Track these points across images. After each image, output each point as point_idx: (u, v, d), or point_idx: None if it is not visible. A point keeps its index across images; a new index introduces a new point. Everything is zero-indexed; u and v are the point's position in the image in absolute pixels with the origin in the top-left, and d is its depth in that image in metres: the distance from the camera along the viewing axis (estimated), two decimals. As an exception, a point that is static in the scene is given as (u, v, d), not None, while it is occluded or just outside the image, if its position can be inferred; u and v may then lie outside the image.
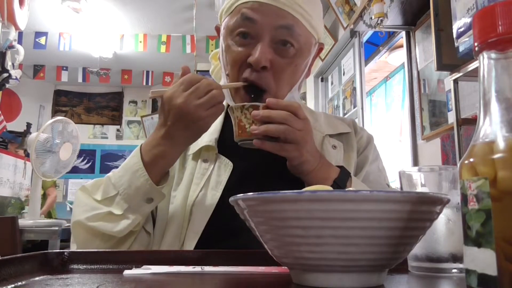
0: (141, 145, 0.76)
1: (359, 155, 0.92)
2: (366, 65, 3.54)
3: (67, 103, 7.08)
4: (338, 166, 0.78)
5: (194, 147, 0.85)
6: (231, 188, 0.79)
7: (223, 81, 0.85)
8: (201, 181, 0.81)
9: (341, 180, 0.75)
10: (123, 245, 0.74)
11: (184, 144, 0.75)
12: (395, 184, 1.50)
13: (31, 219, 2.66)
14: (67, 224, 2.70)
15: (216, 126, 0.88)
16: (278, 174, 0.80)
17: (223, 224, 0.75)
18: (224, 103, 0.92)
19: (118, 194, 0.73)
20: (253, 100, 0.77)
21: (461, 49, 1.85)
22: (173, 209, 0.81)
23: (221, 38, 0.83)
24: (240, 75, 0.79)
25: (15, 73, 3.23)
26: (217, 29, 0.89)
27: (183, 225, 0.78)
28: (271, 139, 0.70)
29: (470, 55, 1.84)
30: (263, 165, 0.83)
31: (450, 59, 2.15)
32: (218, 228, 0.76)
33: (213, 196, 0.79)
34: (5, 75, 3.13)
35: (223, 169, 0.82)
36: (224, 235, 0.76)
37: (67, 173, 2.92)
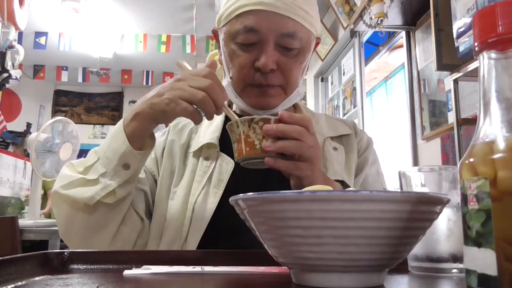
0: None
1: (359, 156, 0.92)
2: (366, 65, 3.54)
3: (67, 103, 7.08)
4: (338, 181, 0.76)
5: (196, 144, 0.86)
6: (232, 186, 0.79)
7: (224, 83, 0.84)
8: (202, 179, 0.81)
9: None
10: (102, 218, 0.72)
11: (152, 112, 0.70)
12: (393, 187, 1.50)
13: (31, 219, 2.66)
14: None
15: (217, 124, 0.88)
16: (279, 173, 0.81)
17: (225, 222, 0.76)
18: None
19: (98, 159, 0.72)
20: (261, 94, 0.79)
21: (461, 49, 1.85)
22: (174, 205, 0.81)
23: (222, 42, 0.83)
24: (247, 79, 0.79)
25: (15, 73, 3.23)
26: (215, 33, 0.88)
27: (184, 223, 0.78)
28: (282, 156, 0.63)
29: (470, 55, 1.84)
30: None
31: (450, 59, 2.15)
32: (220, 226, 0.77)
33: (215, 194, 0.79)
34: (5, 75, 3.13)
35: (225, 167, 0.82)
36: (226, 233, 0.77)
37: (67, 173, 2.92)
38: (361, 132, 0.97)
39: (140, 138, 0.73)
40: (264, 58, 0.76)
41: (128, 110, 7.27)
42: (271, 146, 0.62)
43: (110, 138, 0.74)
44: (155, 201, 0.84)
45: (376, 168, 0.93)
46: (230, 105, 0.95)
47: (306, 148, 0.64)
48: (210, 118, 0.69)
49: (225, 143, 0.84)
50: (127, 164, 0.71)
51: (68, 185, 0.72)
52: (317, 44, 0.88)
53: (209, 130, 0.88)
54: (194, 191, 0.81)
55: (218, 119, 0.90)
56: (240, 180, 0.80)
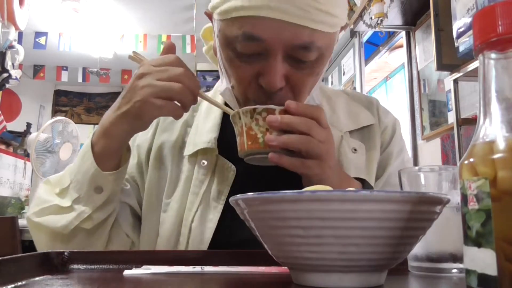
0: None
1: (383, 152, 0.78)
2: (366, 65, 3.54)
3: (67, 103, 7.07)
4: (359, 179, 0.68)
5: (191, 145, 0.73)
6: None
7: (225, 85, 0.69)
8: (200, 190, 0.70)
9: None
10: (83, 243, 0.66)
11: (125, 122, 0.62)
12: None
13: (31, 219, 2.66)
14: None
15: (215, 121, 0.74)
16: (286, 178, 0.66)
17: (227, 239, 0.69)
18: (220, 101, 0.75)
19: (71, 183, 0.65)
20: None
21: (461, 49, 1.85)
22: (167, 220, 0.70)
23: (215, 37, 0.67)
24: (249, 95, 0.65)
25: (15, 73, 3.23)
26: (209, 16, 0.70)
27: (180, 242, 0.69)
28: (288, 152, 0.56)
29: (470, 55, 1.84)
30: (269, 168, 0.67)
31: (450, 59, 2.16)
32: (221, 243, 0.68)
33: (215, 209, 0.69)
34: (5, 75, 3.13)
35: (225, 175, 0.70)
36: (228, 249, 0.68)
37: (67, 173, 2.92)
38: (385, 117, 0.81)
39: (113, 157, 0.65)
40: (269, 76, 0.60)
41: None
42: (275, 140, 0.56)
43: (80, 159, 0.66)
44: (143, 213, 0.73)
45: (402, 159, 0.79)
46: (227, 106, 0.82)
47: (315, 143, 0.56)
48: (187, 110, 0.62)
49: (225, 144, 0.72)
50: (99, 187, 0.64)
51: (41, 212, 0.66)
52: (342, 28, 0.74)
53: (206, 127, 0.74)
54: (190, 205, 0.69)
55: (216, 113, 0.76)
56: (243, 189, 0.68)
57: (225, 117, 0.74)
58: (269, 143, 0.56)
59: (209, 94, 0.79)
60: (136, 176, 0.75)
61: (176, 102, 0.60)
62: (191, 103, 0.61)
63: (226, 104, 0.74)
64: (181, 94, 0.59)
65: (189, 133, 0.76)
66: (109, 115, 0.63)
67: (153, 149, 0.76)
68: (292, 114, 0.57)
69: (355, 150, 0.73)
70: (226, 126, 0.74)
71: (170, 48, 0.64)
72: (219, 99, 0.76)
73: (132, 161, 0.74)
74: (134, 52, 0.65)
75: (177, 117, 0.61)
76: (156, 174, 0.74)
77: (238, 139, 0.61)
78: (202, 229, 0.68)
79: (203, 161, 0.71)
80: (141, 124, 0.62)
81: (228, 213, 0.67)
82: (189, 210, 0.69)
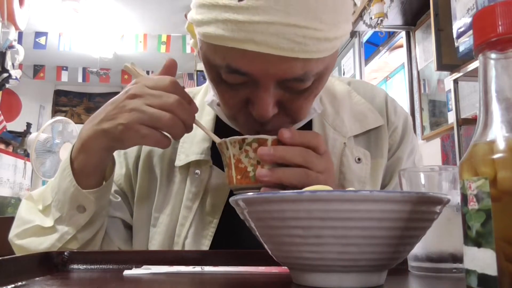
0: None
1: (391, 156, 0.72)
2: (366, 65, 3.55)
3: (67, 103, 7.08)
4: None
5: (183, 155, 0.68)
6: (231, 211, 0.61)
7: (211, 95, 0.65)
8: (193, 205, 0.65)
9: None
10: None
11: (104, 140, 0.57)
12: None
13: (31, 219, 2.66)
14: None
15: (207, 128, 0.69)
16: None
17: None
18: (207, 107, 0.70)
19: (53, 200, 0.61)
20: (260, 129, 0.57)
21: (461, 49, 1.85)
22: (158, 235, 0.66)
23: (200, 51, 0.58)
24: (239, 119, 0.60)
25: (15, 73, 3.23)
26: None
27: None
28: (283, 186, 0.51)
29: (470, 55, 1.84)
30: None
31: (450, 59, 2.16)
32: None
33: (210, 224, 0.65)
34: (5, 75, 3.13)
35: (221, 187, 0.65)
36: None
37: (67, 173, 2.93)
38: (394, 115, 0.73)
39: (94, 173, 0.60)
40: (259, 106, 0.54)
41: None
42: (268, 175, 0.51)
43: (60, 174, 0.61)
44: (134, 226, 0.69)
45: (412, 161, 0.73)
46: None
47: (313, 177, 0.51)
48: (177, 139, 0.58)
49: (219, 153, 0.63)
50: (81, 206, 0.59)
51: (23, 233, 0.63)
52: None
53: (198, 134, 0.68)
54: (183, 221, 0.65)
55: (208, 117, 0.70)
56: None
57: (218, 122, 0.70)
58: (261, 179, 0.51)
59: (200, 93, 0.76)
60: (125, 188, 0.71)
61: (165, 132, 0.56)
62: (182, 134, 0.56)
63: (217, 117, 0.70)
64: (170, 126, 0.54)
65: (180, 140, 0.69)
66: (88, 128, 0.58)
67: (141, 157, 0.71)
68: (286, 144, 0.52)
69: (359, 160, 0.67)
70: (219, 132, 0.67)
71: (169, 67, 0.60)
72: (206, 109, 0.71)
73: (120, 171, 0.71)
74: (132, 63, 0.61)
75: (163, 147, 0.57)
76: (146, 185, 0.70)
77: (225, 170, 0.56)
78: (197, 246, 0.64)
79: (197, 170, 0.66)
80: (121, 146, 0.59)
81: (224, 228, 0.65)
82: (182, 225, 0.65)
